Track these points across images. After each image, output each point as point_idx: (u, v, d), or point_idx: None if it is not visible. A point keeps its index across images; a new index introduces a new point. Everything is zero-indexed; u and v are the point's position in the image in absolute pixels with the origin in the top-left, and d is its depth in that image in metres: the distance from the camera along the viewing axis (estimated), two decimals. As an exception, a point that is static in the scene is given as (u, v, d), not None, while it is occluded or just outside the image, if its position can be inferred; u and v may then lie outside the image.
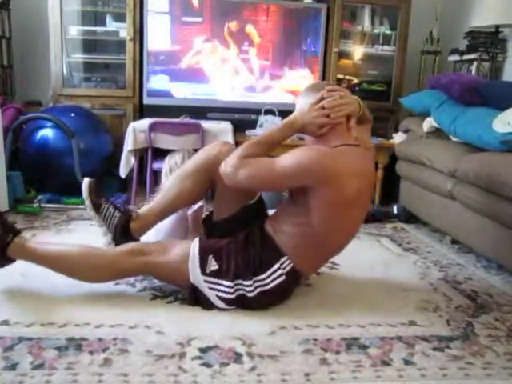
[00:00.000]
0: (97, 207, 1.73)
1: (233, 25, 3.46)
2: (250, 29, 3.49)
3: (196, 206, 2.01)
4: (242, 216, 1.74)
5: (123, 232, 1.72)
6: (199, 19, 3.43)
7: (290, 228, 1.63)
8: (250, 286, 1.58)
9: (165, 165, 2.14)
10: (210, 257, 1.62)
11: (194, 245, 1.65)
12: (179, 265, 1.63)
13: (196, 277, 1.61)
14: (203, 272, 1.60)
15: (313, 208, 1.57)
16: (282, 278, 1.60)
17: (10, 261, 1.69)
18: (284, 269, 1.61)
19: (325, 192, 1.54)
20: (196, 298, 1.64)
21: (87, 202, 1.72)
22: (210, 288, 1.61)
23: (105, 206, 1.73)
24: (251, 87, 3.58)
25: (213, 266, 1.61)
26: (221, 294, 1.60)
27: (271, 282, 1.59)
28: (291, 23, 3.55)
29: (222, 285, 1.59)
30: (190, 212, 2.02)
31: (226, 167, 1.59)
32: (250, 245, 1.64)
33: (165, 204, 1.77)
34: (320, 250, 1.67)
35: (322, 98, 1.62)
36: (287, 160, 1.56)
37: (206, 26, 3.45)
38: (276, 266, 1.60)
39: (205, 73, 3.51)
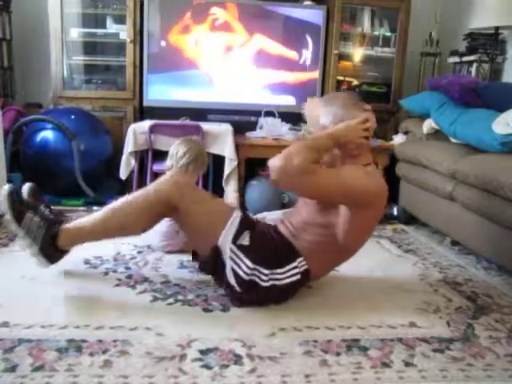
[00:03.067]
0: (19, 218, 1.64)
1: (233, 27, 3.46)
2: (249, 31, 3.50)
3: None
4: None
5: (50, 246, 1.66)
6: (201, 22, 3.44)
7: (310, 237, 1.69)
8: (266, 275, 1.61)
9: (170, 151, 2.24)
10: (247, 232, 1.65)
11: (238, 213, 1.68)
12: (219, 218, 1.66)
13: (225, 241, 1.63)
14: (234, 241, 1.62)
15: (349, 222, 1.61)
16: (297, 277, 1.65)
17: (63, 253, 1.71)
18: (300, 268, 1.66)
19: (374, 211, 1.64)
20: (214, 264, 1.65)
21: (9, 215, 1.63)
22: (231, 258, 1.62)
23: (29, 216, 1.64)
24: (251, 89, 3.58)
25: (245, 241, 1.63)
26: (237, 270, 1.61)
27: (286, 278, 1.64)
28: (291, 25, 3.55)
29: (243, 262, 1.61)
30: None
31: (291, 167, 1.47)
32: (275, 240, 1.69)
33: (102, 229, 1.67)
34: (336, 257, 1.76)
35: (367, 120, 1.65)
36: (355, 180, 1.57)
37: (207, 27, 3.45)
38: (294, 264, 1.65)
39: (204, 74, 3.51)
